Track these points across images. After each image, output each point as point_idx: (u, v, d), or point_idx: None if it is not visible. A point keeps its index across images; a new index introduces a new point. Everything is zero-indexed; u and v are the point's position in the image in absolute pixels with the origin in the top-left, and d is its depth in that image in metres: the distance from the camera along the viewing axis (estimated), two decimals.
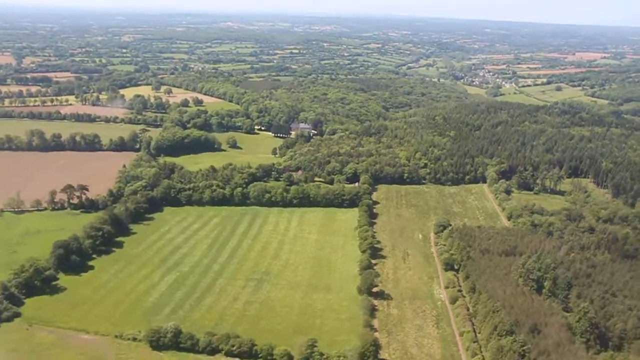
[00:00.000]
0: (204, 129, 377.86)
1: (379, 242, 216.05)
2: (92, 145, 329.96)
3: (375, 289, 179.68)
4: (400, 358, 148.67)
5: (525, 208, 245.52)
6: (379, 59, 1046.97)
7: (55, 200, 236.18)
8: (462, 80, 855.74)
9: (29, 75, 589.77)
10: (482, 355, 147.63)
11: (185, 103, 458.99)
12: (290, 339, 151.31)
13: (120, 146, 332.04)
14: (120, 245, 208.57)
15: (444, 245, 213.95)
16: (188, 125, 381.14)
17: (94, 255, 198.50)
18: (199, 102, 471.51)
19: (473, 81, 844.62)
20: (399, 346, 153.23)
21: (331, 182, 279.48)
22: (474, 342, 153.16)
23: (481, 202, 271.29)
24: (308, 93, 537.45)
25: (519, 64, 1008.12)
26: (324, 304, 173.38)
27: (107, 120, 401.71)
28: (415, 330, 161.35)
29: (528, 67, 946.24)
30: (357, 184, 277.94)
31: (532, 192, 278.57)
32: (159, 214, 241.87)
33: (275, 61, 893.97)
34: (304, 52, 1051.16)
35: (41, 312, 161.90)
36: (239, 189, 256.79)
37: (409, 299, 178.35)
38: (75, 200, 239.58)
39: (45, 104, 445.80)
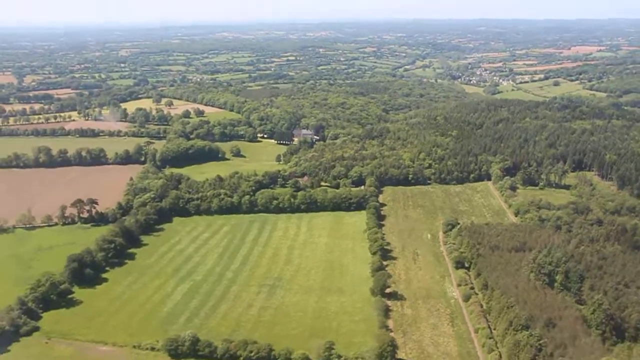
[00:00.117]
0: (207, 139, 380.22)
1: (388, 243, 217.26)
2: (97, 159, 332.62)
3: (388, 290, 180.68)
4: (418, 357, 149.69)
5: (532, 203, 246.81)
6: (375, 62, 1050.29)
7: (65, 215, 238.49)
8: (459, 80, 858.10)
9: (31, 94, 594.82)
10: (499, 351, 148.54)
11: (186, 114, 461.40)
12: (306, 342, 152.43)
13: (126, 159, 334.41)
14: (132, 256, 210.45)
15: (453, 243, 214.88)
16: (191, 136, 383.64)
17: (107, 268, 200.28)
18: (200, 113, 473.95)
19: (470, 80, 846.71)
20: (415, 345, 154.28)
21: (337, 187, 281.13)
22: (490, 338, 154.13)
23: (487, 199, 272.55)
24: (308, 99, 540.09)
25: (515, 61, 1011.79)
26: (337, 307, 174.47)
27: (111, 134, 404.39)
28: (430, 329, 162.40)
29: (524, 64, 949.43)
30: (363, 187, 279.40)
31: (537, 188, 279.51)
32: (169, 224, 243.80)
33: (272, 69, 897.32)
34: (301, 58, 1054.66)
35: (59, 325, 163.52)
36: (247, 196, 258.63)
37: (422, 298, 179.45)
38: (85, 215, 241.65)
39: (49, 121, 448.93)
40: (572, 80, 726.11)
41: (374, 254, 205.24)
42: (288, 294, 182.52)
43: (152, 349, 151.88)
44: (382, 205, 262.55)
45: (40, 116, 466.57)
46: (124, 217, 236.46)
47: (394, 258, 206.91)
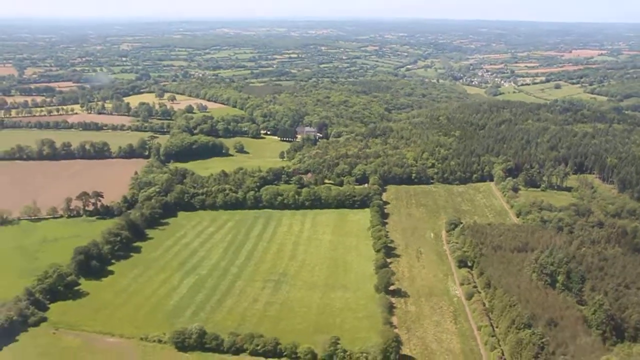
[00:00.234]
0: (210, 135, 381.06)
1: (392, 241, 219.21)
2: (101, 153, 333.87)
3: (392, 287, 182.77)
4: (421, 353, 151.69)
5: (534, 205, 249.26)
6: (377, 61, 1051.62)
7: (70, 207, 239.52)
8: (460, 81, 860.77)
9: (32, 86, 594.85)
10: (501, 349, 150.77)
11: (189, 109, 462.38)
12: (311, 337, 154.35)
13: (129, 153, 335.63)
14: (137, 250, 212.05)
15: (456, 243, 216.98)
16: (195, 131, 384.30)
17: (112, 261, 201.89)
18: (203, 108, 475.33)
19: (472, 81, 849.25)
20: (419, 342, 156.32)
21: (341, 184, 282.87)
22: (492, 336, 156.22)
23: (489, 200, 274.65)
24: (311, 97, 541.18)
25: (516, 62, 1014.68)
26: (342, 303, 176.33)
27: (114, 128, 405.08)
28: (433, 326, 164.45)
29: (526, 66, 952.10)
30: (366, 185, 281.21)
31: (539, 189, 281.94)
32: (174, 218, 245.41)
33: (274, 66, 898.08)
34: (303, 56, 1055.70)
35: (66, 316, 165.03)
36: (251, 192, 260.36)
37: (425, 296, 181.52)
38: (91, 207, 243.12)
39: (51, 114, 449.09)
40: (573, 84, 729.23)
41: (377, 251, 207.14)
42: (293, 290, 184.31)
43: (159, 341, 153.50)
44: (386, 203, 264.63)
45: (43, 109, 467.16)
46: (129, 211, 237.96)
47: (398, 256, 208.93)
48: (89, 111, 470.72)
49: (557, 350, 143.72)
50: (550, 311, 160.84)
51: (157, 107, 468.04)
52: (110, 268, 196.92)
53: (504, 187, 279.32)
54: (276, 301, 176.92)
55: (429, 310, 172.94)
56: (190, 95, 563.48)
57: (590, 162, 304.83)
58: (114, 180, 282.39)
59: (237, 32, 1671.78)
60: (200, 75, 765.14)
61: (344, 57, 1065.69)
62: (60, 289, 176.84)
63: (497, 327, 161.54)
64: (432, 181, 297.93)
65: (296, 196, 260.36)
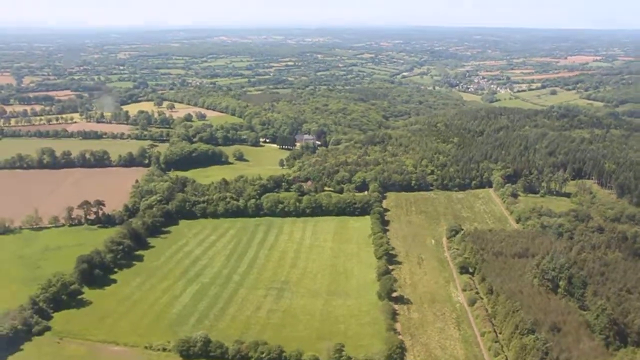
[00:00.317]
0: (210, 143, 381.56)
1: (393, 248, 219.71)
2: (101, 161, 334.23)
3: (394, 294, 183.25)
4: None
5: (534, 210, 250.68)
6: (373, 68, 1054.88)
7: (72, 216, 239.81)
8: (457, 88, 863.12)
9: (30, 95, 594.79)
10: (505, 355, 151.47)
11: (188, 118, 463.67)
12: (315, 345, 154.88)
13: (129, 162, 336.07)
14: (140, 258, 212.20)
15: (457, 249, 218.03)
16: (194, 140, 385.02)
17: (115, 269, 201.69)
18: (202, 117, 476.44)
19: (468, 88, 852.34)
20: (422, 348, 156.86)
21: (341, 192, 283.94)
22: (496, 342, 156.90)
23: (489, 206, 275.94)
24: (309, 105, 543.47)
25: (512, 69, 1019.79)
26: (344, 310, 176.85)
27: (114, 136, 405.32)
28: (437, 332, 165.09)
29: (521, 73, 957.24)
30: (366, 192, 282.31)
31: (538, 195, 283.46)
32: (175, 227, 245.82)
33: (271, 74, 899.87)
34: (299, 64, 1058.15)
35: (70, 325, 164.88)
36: (252, 200, 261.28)
37: (428, 302, 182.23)
38: (92, 216, 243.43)
39: (50, 123, 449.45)
40: (569, 90, 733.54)
41: (379, 258, 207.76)
42: (295, 297, 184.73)
43: (164, 349, 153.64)
44: (386, 210, 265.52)
45: (42, 117, 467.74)
46: (130, 219, 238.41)
47: (399, 263, 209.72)
48: (88, 120, 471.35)
49: (561, 356, 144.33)
50: (553, 316, 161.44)
51: (155, 115, 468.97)
52: (113, 277, 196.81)
53: (503, 194, 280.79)
54: (279, 309, 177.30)
55: (432, 317, 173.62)
56: (188, 104, 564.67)
57: (589, 168, 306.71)
58: (115, 189, 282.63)
59: (234, 40, 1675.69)
60: (198, 83, 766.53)
61: (340, 65, 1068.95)
62: (63, 297, 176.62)
63: (500, 333, 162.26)
64: (431, 188, 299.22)
65: (297, 204, 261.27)
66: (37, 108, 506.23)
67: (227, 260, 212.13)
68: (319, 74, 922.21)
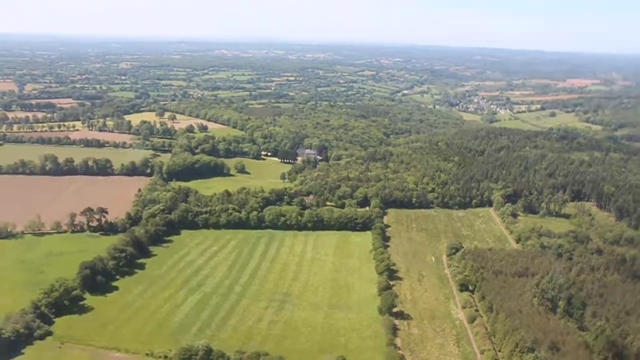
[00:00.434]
0: (212, 155, 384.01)
1: (394, 264, 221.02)
2: (104, 169, 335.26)
3: (395, 309, 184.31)
4: None
5: (533, 230, 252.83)
6: (373, 86, 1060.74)
7: (74, 222, 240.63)
8: (457, 107, 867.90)
9: (32, 102, 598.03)
10: None
11: (190, 129, 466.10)
12: (316, 357, 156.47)
13: (132, 171, 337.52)
14: (142, 266, 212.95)
15: (457, 267, 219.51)
16: (196, 151, 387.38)
17: (117, 276, 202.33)
18: (203, 128, 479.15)
19: (468, 107, 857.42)
20: None
21: (342, 206, 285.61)
22: (495, 359, 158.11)
23: (489, 225, 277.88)
24: (310, 119, 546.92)
25: (511, 90, 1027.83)
26: (346, 324, 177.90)
27: (116, 145, 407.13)
28: (437, 348, 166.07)
29: (521, 94, 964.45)
30: (367, 207, 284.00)
31: (537, 215, 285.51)
32: (177, 236, 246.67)
33: (272, 88, 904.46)
34: (300, 79, 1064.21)
35: (71, 330, 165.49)
36: (255, 212, 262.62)
37: (428, 318, 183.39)
38: (95, 223, 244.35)
39: (52, 130, 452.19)
40: (568, 112, 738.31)
41: (380, 273, 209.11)
42: (297, 310, 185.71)
43: (165, 357, 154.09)
44: (387, 226, 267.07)
45: (44, 124, 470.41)
46: (133, 227, 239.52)
47: (400, 278, 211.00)
48: (90, 128, 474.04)
49: None
50: (552, 336, 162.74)
51: (157, 125, 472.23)
52: (114, 284, 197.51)
53: (503, 213, 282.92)
54: (280, 320, 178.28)
55: (432, 333, 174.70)
56: (190, 115, 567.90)
57: (588, 190, 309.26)
58: (117, 197, 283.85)
59: (235, 54, 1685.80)
60: (199, 95, 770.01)
61: (341, 81, 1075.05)
62: (65, 303, 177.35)
63: (499, 351, 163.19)
64: (432, 205, 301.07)
65: (299, 217, 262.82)
66: (39, 115, 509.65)
67: (228, 271, 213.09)
68: (319, 89, 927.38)
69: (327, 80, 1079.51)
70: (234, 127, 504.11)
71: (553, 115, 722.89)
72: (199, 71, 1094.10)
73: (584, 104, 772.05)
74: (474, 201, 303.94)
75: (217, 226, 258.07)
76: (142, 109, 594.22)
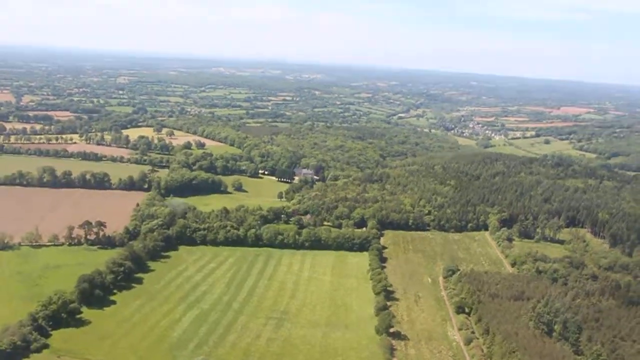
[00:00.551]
0: (209, 172, 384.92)
1: (391, 285, 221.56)
2: (101, 183, 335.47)
3: (392, 330, 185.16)
4: None
5: (529, 255, 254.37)
6: (370, 108, 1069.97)
7: (72, 235, 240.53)
8: (452, 131, 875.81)
9: (30, 113, 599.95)
10: None
11: (188, 145, 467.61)
12: None
13: (130, 185, 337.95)
14: (140, 281, 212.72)
15: (454, 289, 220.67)
16: (194, 167, 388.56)
17: (115, 291, 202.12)
18: (201, 145, 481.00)
19: (463, 132, 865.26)
20: None
21: (339, 227, 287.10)
22: None
23: (484, 249, 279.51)
24: (307, 140, 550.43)
25: (506, 116, 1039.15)
26: (344, 343, 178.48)
27: (114, 159, 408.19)
28: None
29: (516, 120, 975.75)
30: (364, 228, 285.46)
31: (532, 240, 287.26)
32: (175, 252, 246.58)
33: (269, 107, 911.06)
34: (297, 99, 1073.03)
35: (68, 344, 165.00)
36: (252, 230, 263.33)
37: (424, 339, 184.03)
38: (93, 236, 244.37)
39: (50, 142, 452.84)
40: (562, 140, 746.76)
41: (377, 293, 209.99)
42: (295, 328, 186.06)
43: None
44: (384, 247, 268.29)
45: (42, 136, 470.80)
46: (131, 242, 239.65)
47: (397, 299, 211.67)
48: (88, 141, 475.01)
49: None
50: (548, 359, 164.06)
51: (155, 141, 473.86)
52: (112, 298, 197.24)
53: (499, 237, 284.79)
54: (279, 338, 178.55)
55: (429, 354, 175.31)
56: (187, 132, 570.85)
57: (582, 216, 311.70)
58: (114, 211, 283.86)
59: (232, 72, 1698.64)
60: (197, 112, 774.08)
61: (337, 103, 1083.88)
62: (63, 316, 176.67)
63: None
64: (428, 228, 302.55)
65: (296, 236, 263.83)
66: (37, 127, 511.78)
67: (226, 288, 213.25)
68: (316, 110, 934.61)
69: (324, 101, 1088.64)
70: (232, 144, 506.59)
71: (547, 142, 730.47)
72: (196, 88, 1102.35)
73: (578, 132, 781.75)
74: (470, 225, 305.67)
75: (215, 243, 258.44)
76: (139, 124, 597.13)
